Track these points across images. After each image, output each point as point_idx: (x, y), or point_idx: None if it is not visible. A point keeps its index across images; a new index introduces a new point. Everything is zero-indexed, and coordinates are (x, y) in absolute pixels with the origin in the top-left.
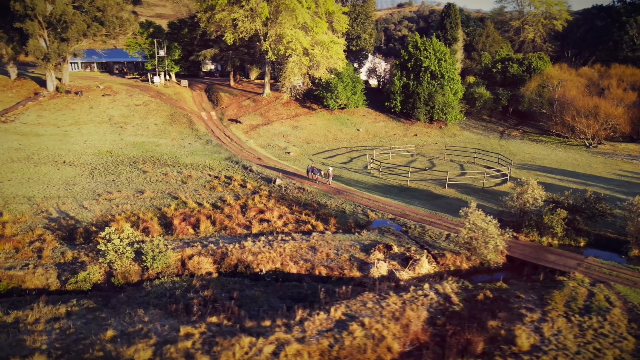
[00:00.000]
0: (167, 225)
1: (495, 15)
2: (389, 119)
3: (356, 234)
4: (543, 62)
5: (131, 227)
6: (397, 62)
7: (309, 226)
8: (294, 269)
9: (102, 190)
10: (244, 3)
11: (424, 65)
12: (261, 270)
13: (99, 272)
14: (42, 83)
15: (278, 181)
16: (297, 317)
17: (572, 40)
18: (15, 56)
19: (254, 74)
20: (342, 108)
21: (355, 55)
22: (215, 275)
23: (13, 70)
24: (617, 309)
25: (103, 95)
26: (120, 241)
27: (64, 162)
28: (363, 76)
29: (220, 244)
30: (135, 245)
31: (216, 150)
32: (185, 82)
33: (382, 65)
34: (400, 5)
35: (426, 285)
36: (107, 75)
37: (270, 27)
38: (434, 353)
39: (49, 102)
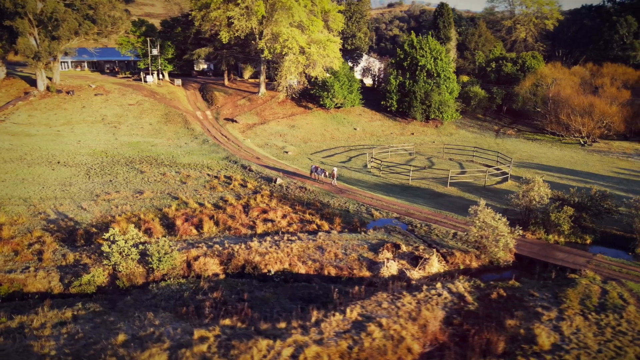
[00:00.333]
0: (169, 226)
1: (487, 15)
2: (385, 118)
3: (362, 233)
4: (537, 61)
5: (134, 228)
6: (393, 61)
7: (314, 226)
8: (302, 270)
9: (99, 190)
10: (239, 1)
11: (420, 64)
12: (269, 271)
13: (103, 275)
14: (33, 82)
15: (279, 180)
16: (313, 319)
17: (563, 39)
18: (4, 55)
19: (247, 73)
20: (339, 107)
21: (350, 54)
22: (222, 276)
23: (2, 70)
24: (632, 306)
25: (95, 95)
26: (125, 242)
27: (59, 162)
28: (357, 75)
29: (226, 245)
30: (140, 247)
31: (213, 150)
32: (178, 82)
33: (377, 65)
34: (390, 5)
35: (439, 285)
36: (98, 75)
37: (266, 25)
38: (455, 353)
39: (39, 101)
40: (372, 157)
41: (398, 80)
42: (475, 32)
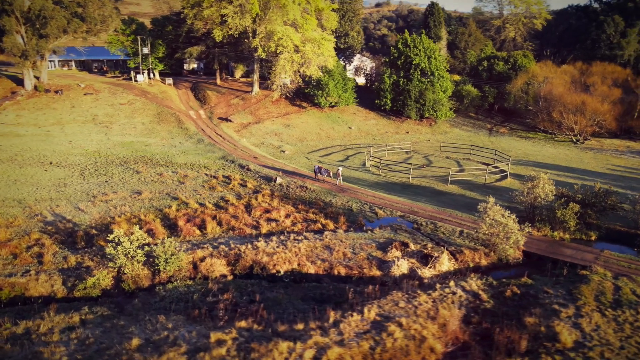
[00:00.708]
0: (171, 227)
1: (476, 15)
2: (379, 117)
3: (369, 232)
4: (528, 60)
5: (138, 229)
6: (387, 60)
7: (319, 225)
8: (312, 269)
9: (96, 191)
10: None
11: (414, 62)
12: (278, 272)
13: (108, 277)
14: (19, 82)
15: (279, 180)
16: (331, 319)
17: (550, 39)
18: None
19: (239, 73)
20: (333, 106)
21: (343, 53)
22: (230, 277)
23: None
24: None
25: (85, 94)
26: (131, 244)
27: (51, 163)
28: (350, 74)
29: (232, 245)
30: (146, 248)
31: (209, 150)
32: (170, 81)
33: (369, 64)
34: (378, 5)
35: (452, 283)
36: (86, 74)
37: (260, 23)
38: (480, 352)
39: (27, 101)
40: (370, 156)
41: (392, 79)
42: (465, 32)
